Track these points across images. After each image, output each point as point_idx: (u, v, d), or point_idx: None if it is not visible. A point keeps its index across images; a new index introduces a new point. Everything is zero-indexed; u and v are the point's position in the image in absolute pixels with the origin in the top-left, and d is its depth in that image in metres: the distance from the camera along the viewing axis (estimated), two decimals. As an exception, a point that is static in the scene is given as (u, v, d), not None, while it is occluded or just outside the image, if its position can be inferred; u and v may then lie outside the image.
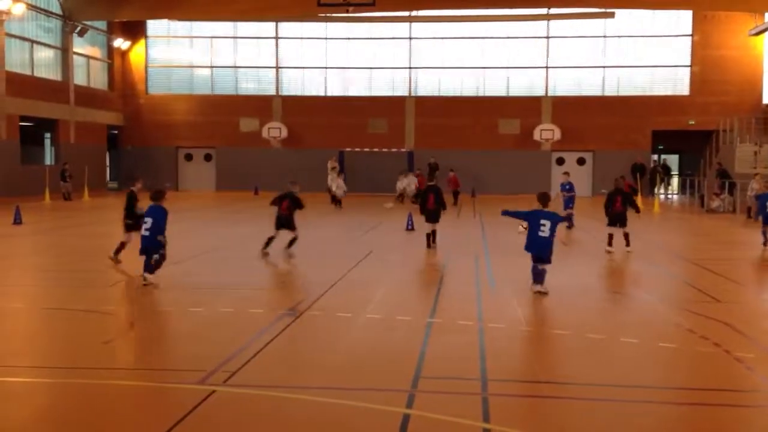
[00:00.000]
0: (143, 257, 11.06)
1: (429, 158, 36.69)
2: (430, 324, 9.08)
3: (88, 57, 39.62)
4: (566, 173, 19.84)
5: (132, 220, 13.14)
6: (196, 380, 6.67)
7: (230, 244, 17.44)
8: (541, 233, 10.16)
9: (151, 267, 11.05)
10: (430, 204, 16.43)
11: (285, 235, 14.88)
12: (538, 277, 10.47)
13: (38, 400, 6.38)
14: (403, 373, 7.06)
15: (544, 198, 10.50)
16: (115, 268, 13.04)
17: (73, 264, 13.88)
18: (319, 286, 11.45)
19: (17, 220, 20.81)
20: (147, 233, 11.00)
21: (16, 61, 33.46)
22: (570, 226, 20.45)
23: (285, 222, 14.93)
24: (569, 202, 20.53)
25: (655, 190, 37.40)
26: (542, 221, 10.17)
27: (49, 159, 37.82)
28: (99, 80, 40.94)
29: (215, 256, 15.23)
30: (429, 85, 40.97)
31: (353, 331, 8.80)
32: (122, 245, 13.37)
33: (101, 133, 40.57)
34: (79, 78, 38.57)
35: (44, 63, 36.28)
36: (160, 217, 11.03)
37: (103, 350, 7.94)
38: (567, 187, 20.22)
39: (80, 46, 38.60)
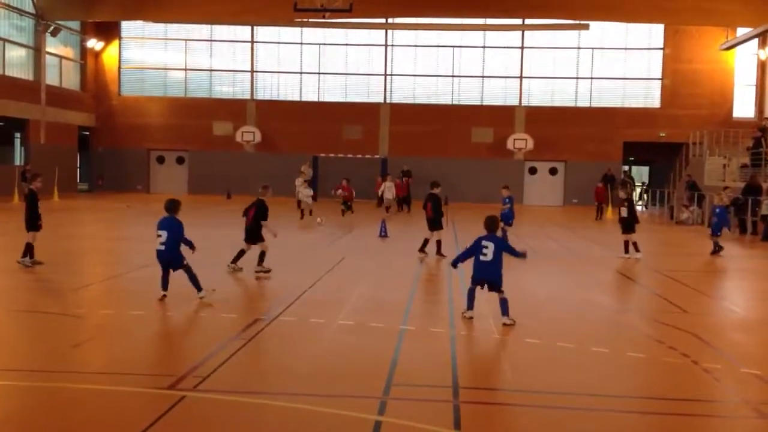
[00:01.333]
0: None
1: (402, 165, 36.78)
2: (403, 331, 9.09)
3: (60, 57, 39.20)
4: (506, 187, 19.15)
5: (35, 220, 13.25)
6: (166, 385, 6.61)
7: (201, 247, 17.31)
8: (482, 257, 9.84)
9: (167, 282, 10.47)
10: (428, 212, 16.32)
11: (254, 249, 13.36)
12: (502, 306, 10.06)
13: (5, 402, 6.28)
14: (375, 380, 7.06)
15: (489, 223, 10.11)
16: (84, 272, 12.88)
17: (41, 267, 13.68)
18: (291, 291, 11.41)
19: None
20: (162, 247, 10.33)
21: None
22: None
23: (250, 234, 13.30)
24: (508, 218, 18.72)
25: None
26: (484, 243, 9.90)
27: (18, 159, 37.33)
28: (71, 81, 40.51)
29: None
30: (404, 93, 41.11)
31: (325, 338, 8.78)
32: (30, 246, 13.29)
33: (72, 134, 40.13)
34: (51, 78, 38.13)
35: (16, 62, 35.83)
36: (177, 230, 10.47)
37: (72, 354, 7.85)
38: (506, 201, 19.13)
39: (53, 46, 38.18)
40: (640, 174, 46.67)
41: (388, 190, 30.55)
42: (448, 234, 22.26)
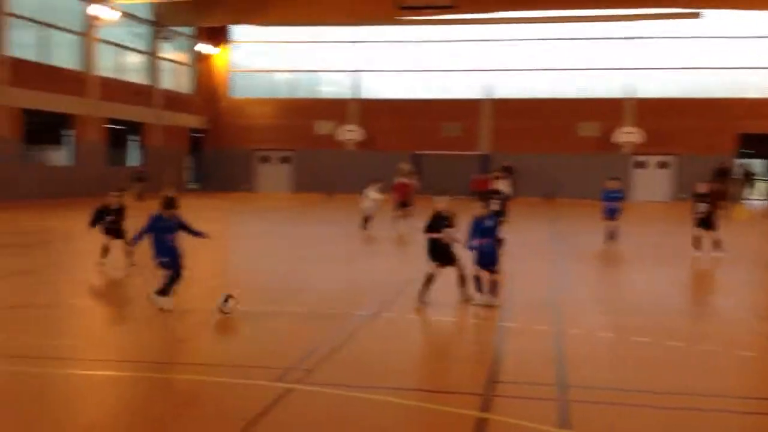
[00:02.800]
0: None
1: (504, 161, 36.40)
2: (504, 327, 9.01)
3: (174, 62, 40.86)
4: (615, 178, 18.04)
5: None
6: (275, 377, 6.80)
7: (305, 243, 17.70)
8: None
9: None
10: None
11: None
12: (492, 287, 10.06)
13: (116, 393, 6.61)
14: (477, 376, 7.04)
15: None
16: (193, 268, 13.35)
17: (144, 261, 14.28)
18: (392, 287, 11.50)
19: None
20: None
21: (108, 65, 34.75)
22: (612, 238, 17.58)
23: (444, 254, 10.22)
24: (613, 212, 17.34)
25: (741, 195, 36.14)
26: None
27: (134, 161, 39.13)
28: (184, 84, 42.16)
29: (292, 255, 15.48)
30: (505, 88, 40.61)
31: (425, 333, 8.81)
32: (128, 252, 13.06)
33: (184, 136, 41.76)
34: (166, 82, 39.81)
35: (133, 68, 37.60)
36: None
37: (181, 346, 8.19)
38: (615, 195, 17.61)
39: (167, 52, 39.84)
40: (757, 167, 44.42)
41: (506, 187, 29.18)
42: (546, 231, 21.87)
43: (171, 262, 9.49)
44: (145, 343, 8.31)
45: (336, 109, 41.80)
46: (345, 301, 10.54)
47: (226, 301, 9.31)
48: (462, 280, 10.28)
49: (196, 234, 9.88)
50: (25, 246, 16.50)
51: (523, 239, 17.88)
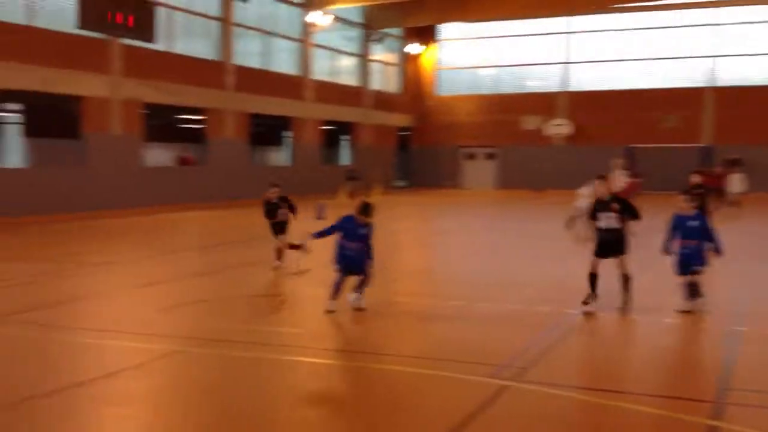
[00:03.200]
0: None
1: (730, 153, 33.79)
2: (734, 332, 8.33)
3: (383, 63, 42.11)
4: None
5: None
6: (487, 374, 6.75)
7: (514, 240, 17.49)
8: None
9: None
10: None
11: None
12: (690, 290, 9.13)
13: (334, 380, 6.86)
14: (706, 382, 6.55)
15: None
16: (399, 263, 13.61)
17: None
18: (604, 287, 11.04)
19: (320, 216, 22.69)
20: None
21: (321, 69, 36.52)
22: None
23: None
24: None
25: None
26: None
27: (345, 160, 40.78)
28: (392, 84, 43.34)
29: (501, 252, 15.37)
30: (729, 74, 37.67)
31: (643, 334, 8.35)
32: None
33: (392, 135, 42.91)
34: (375, 83, 41.14)
35: (345, 70, 39.22)
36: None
37: (388, 338, 8.37)
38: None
39: (377, 53, 41.15)
40: None
41: (740, 182, 26.69)
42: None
43: (344, 269, 9.14)
44: (359, 334, 8.58)
45: (543, 103, 40.99)
46: (556, 299, 10.26)
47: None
48: (625, 280, 9.35)
49: (369, 256, 9.25)
50: (252, 239, 17.71)
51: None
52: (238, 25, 30.78)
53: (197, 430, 5.51)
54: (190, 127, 32.97)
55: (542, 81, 41.87)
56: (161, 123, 31.97)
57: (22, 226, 19.79)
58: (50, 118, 27.81)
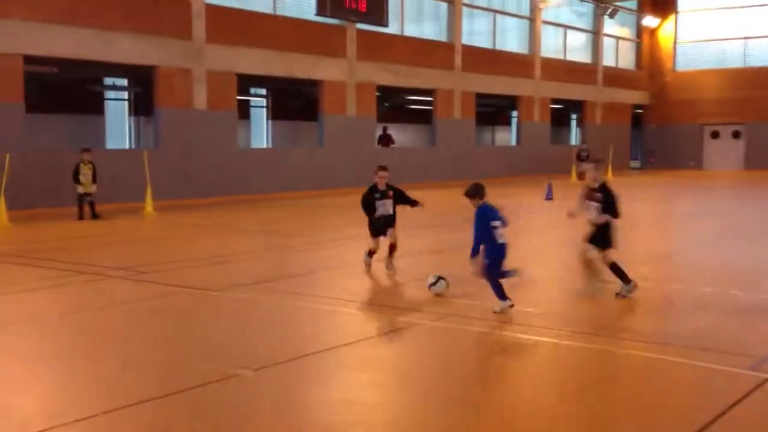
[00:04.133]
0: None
1: None
2: None
3: (617, 38, 40.23)
4: None
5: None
6: (747, 365, 6.16)
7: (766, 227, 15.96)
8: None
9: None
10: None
11: None
12: None
13: (575, 363, 6.57)
14: None
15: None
16: (642, 247, 12.88)
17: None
18: None
19: (549, 196, 22.20)
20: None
21: (550, 47, 35.62)
22: None
23: None
24: None
25: None
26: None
27: (573, 139, 39.59)
28: (626, 60, 41.30)
29: (752, 237, 14.09)
30: None
31: None
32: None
33: (625, 113, 40.93)
34: (608, 59, 39.41)
35: (575, 47, 37.95)
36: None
37: (634, 323, 7.90)
38: None
39: (610, 28, 39.38)
40: None
41: None
42: None
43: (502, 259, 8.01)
44: (602, 317, 8.22)
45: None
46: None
47: (436, 283, 8.65)
48: None
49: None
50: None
51: None
52: (468, 5, 30.79)
53: (436, 401, 5.53)
54: (419, 108, 33.65)
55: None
56: (392, 104, 32.91)
57: (266, 202, 21.29)
58: (292, 102, 29.64)
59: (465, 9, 30.65)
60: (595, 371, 6.33)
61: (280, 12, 23.95)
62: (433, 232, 15.44)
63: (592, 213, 8.68)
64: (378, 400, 5.60)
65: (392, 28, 26.82)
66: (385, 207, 10.14)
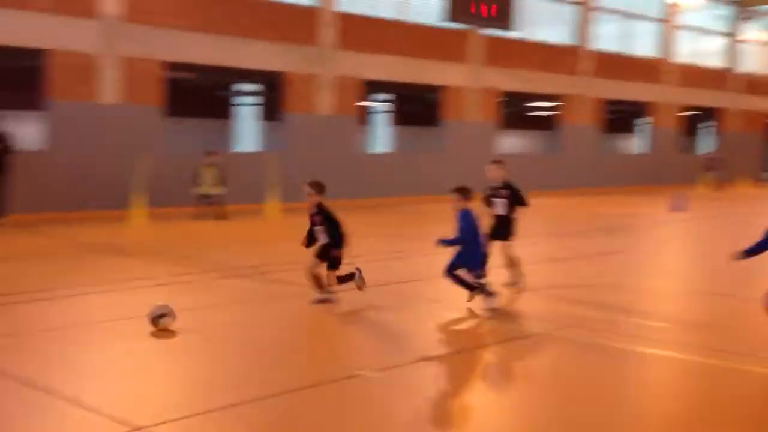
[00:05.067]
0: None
1: None
2: None
3: (757, 42, 38.11)
4: None
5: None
6: None
7: None
8: None
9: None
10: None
11: None
12: None
13: (703, 380, 6.23)
14: None
15: None
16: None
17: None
18: None
19: (678, 207, 21.27)
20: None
21: (683, 51, 34.11)
22: None
23: None
24: None
25: None
26: None
27: (705, 147, 37.75)
28: (766, 66, 39.05)
29: None
30: None
31: None
32: None
33: (761, 121, 38.71)
34: (745, 65, 37.40)
35: (710, 52, 36.18)
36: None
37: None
38: None
39: (749, 32, 37.34)
40: None
41: None
42: None
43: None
44: (739, 335, 7.78)
45: None
46: None
47: (161, 317, 7.23)
48: None
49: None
50: (611, 228, 17.17)
51: None
52: (597, 8, 30.00)
53: (555, 411, 5.38)
54: (543, 115, 33.08)
55: None
56: (515, 110, 32.53)
57: (387, 207, 21.47)
58: (414, 107, 29.82)
59: (593, 13, 29.87)
60: (725, 390, 5.98)
61: (406, 18, 24.15)
62: (557, 240, 15.11)
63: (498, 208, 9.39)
64: (505, 404, 5.53)
65: (518, 33, 26.48)
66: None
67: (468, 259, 8.13)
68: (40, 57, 17.24)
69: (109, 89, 17.99)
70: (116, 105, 18.11)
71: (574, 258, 12.62)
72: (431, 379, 6.07)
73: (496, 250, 9.37)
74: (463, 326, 7.93)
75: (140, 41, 18.24)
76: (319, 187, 8.46)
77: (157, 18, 18.50)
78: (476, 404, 5.57)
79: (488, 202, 9.52)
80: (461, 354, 6.79)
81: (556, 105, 29.37)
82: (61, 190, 17.29)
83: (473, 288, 8.20)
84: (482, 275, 8.40)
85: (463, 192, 8.22)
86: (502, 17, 24.02)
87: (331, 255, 8.39)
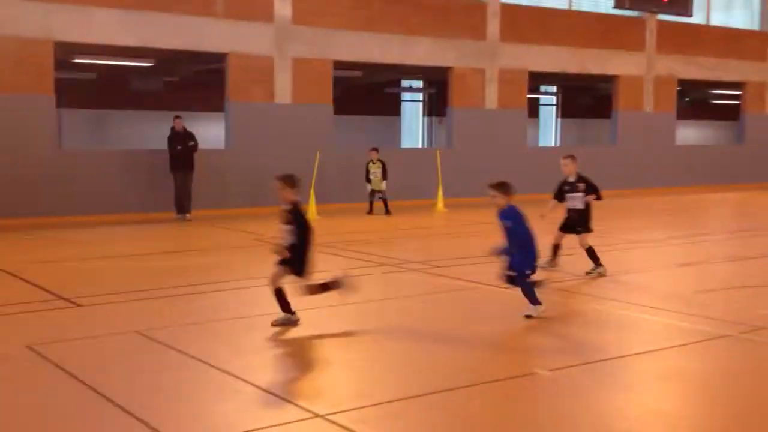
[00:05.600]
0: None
1: None
2: None
3: None
4: None
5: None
6: None
7: None
8: None
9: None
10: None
11: None
12: None
13: None
14: None
15: None
16: None
17: None
18: None
19: None
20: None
21: None
22: None
23: None
24: None
25: None
26: None
27: None
28: None
29: None
30: None
31: None
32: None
33: None
34: None
35: None
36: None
37: None
38: None
39: None
40: None
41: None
42: None
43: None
44: None
45: None
46: None
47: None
48: None
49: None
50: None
51: None
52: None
53: (745, 421, 4.96)
54: (724, 103, 31.10)
55: None
56: (693, 99, 30.78)
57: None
58: (582, 99, 28.90)
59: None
60: None
61: (575, 7, 23.44)
62: (734, 238, 14.12)
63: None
64: (687, 413, 5.19)
65: (697, 18, 24.97)
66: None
67: (532, 260, 7.47)
68: (220, 60, 18.26)
69: (283, 89, 18.75)
70: (289, 104, 18.84)
71: (748, 258, 11.72)
72: (606, 382, 5.81)
73: (567, 242, 9.85)
74: (644, 327, 7.55)
75: (310, 42, 18.87)
76: (291, 182, 7.36)
77: (326, 20, 19.05)
78: (662, 408, 5.26)
79: (562, 196, 9.83)
80: (639, 356, 6.45)
81: (739, 93, 27.46)
82: (237, 189, 18.22)
83: (537, 300, 7.53)
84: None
85: (505, 187, 7.56)
86: (679, 1, 22.78)
87: (298, 258, 7.22)
